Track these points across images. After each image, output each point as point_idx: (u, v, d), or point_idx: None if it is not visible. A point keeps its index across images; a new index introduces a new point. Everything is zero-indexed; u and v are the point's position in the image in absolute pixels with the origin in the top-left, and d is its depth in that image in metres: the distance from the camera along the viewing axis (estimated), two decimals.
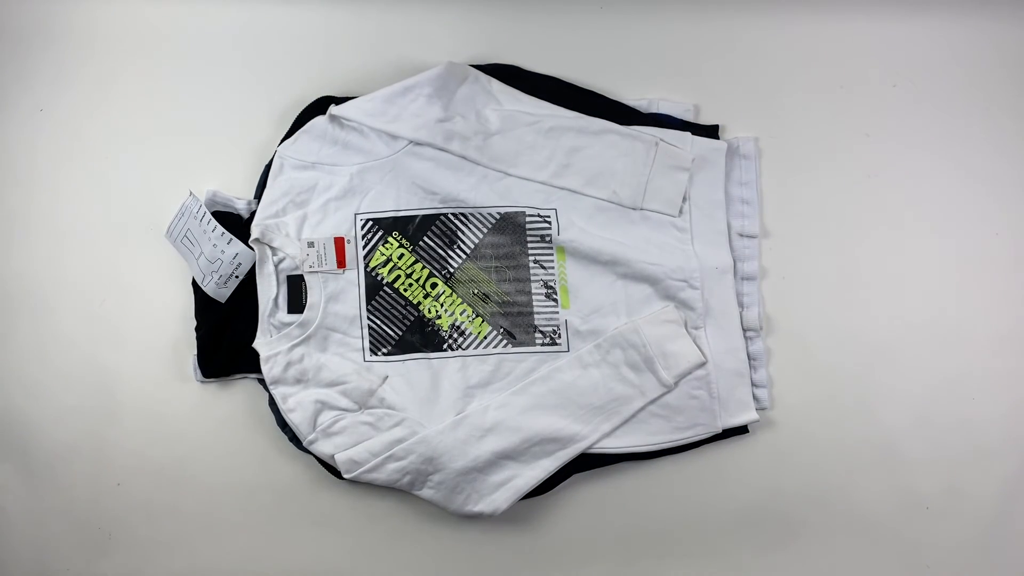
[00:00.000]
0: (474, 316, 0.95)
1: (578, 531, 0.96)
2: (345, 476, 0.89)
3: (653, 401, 0.92)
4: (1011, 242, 0.98)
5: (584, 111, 0.96)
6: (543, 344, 0.94)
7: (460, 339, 0.94)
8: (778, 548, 0.97)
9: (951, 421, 0.97)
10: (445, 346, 0.94)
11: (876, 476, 0.97)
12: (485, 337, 0.94)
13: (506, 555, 0.96)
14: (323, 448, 0.90)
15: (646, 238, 0.95)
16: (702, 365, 0.92)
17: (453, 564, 0.96)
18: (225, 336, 0.93)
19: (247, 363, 0.93)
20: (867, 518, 0.97)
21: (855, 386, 0.97)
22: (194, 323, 0.94)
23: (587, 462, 0.93)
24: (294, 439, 0.93)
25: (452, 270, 0.95)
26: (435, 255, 0.95)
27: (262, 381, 0.93)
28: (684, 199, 0.95)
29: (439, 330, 0.94)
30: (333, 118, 0.93)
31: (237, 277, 0.91)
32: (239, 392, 0.96)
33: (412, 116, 0.93)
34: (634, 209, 0.95)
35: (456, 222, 0.95)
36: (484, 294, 0.95)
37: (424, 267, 0.94)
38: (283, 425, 0.93)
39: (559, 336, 0.94)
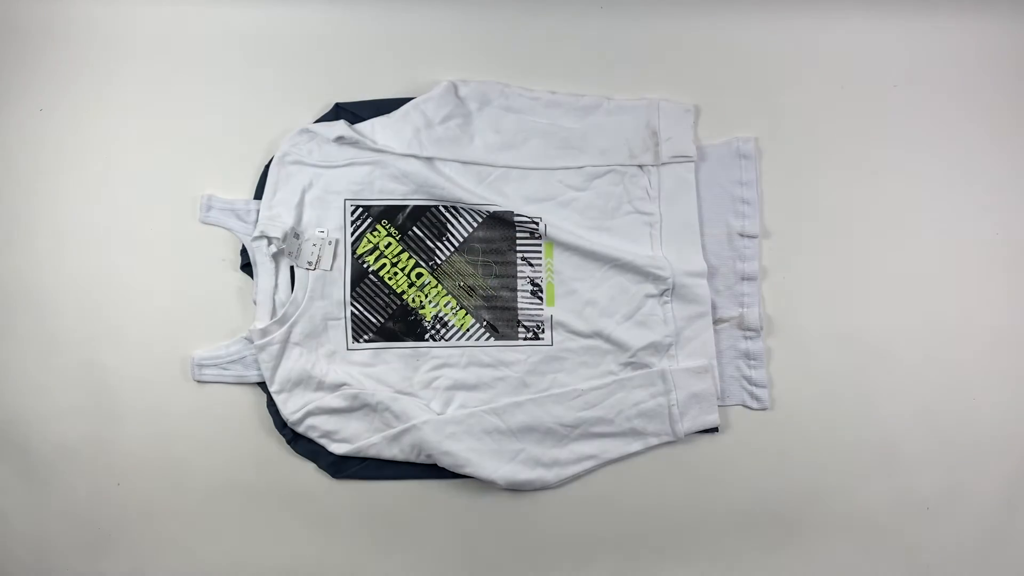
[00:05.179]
0: (458, 308, 0.96)
1: (578, 531, 0.96)
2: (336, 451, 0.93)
3: (651, 447, 0.95)
4: (1011, 242, 0.98)
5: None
6: (526, 339, 0.95)
7: (443, 330, 0.95)
8: (778, 548, 0.97)
9: (951, 421, 0.97)
10: (427, 336, 0.95)
11: (876, 476, 0.97)
12: (468, 329, 0.96)
13: (506, 555, 0.96)
14: (289, 404, 0.93)
15: (627, 239, 0.97)
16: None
17: (453, 564, 0.96)
18: None
19: None
20: (867, 518, 0.97)
21: (855, 386, 0.97)
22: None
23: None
24: (293, 440, 0.94)
25: (439, 261, 0.96)
26: (423, 246, 0.95)
27: (262, 384, 0.94)
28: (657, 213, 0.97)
29: (422, 320, 0.95)
30: (332, 125, 0.94)
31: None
32: (239, 393, 0.96)
33: (409, 134, 0.95)
34: (654, 166, 0.96)
35: (447, 214, 0.95)
36: (469, 287, 0.96)
37: (411, 257, 0.95)
38: (282, 426, 0.94)
39: (543, 332, 0.95)
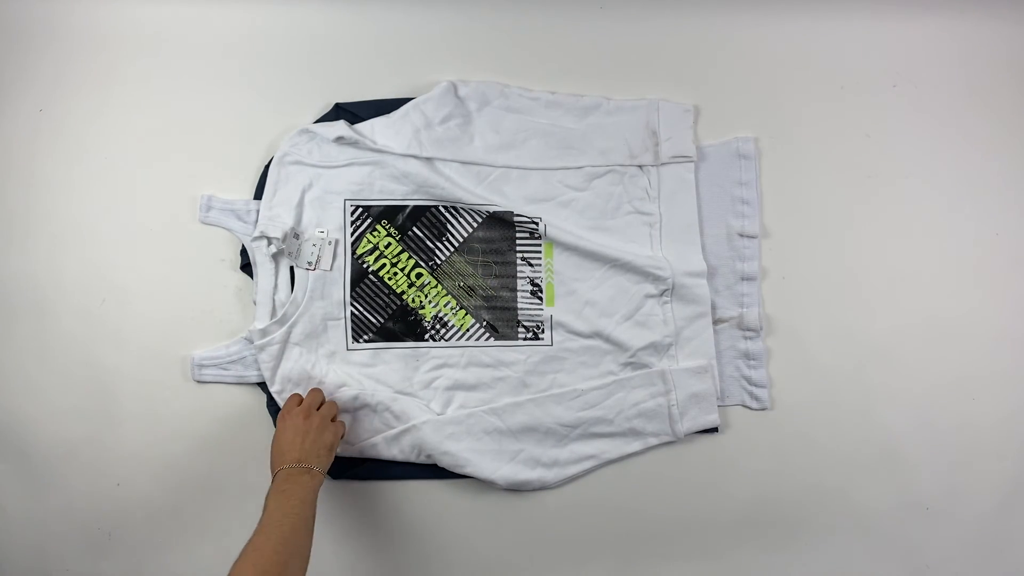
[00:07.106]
0: (458, 308, 0.96)
1: (578, 531, 0.96)
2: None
3: (650, 447, 0.95)
4: (1011, 242, 0.98)
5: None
6: (525, 339, 0.96)
7: (443, 330, 0.96)
8: (778, 548, 0.97)
9: (951, 421, 0.97)
10: (427, 336, 0.95)
11: (876, 476, 0.97)
12: (467, 329, 0.96)
13: (506, 554, 0.96)
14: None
15: (627, 239, 0.97)
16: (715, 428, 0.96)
17: (453, 563, 0.97)
18: None
19: None
20: (867, 518, 0.97)
21: (855, 386, 0.97)
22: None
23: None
24: None
25: (439, 261, 0.96)
26: (423, 246, 0.96)
27: (262, 384, 0.94)
28: (656, 213, 0.97)
29: (422, 320, 0.96)
30: (332, 125, 0.94)
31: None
32: (239, 393, 0.96)
33: (409, 134, 0.95)
34: (654, 166, 0.96)
35: (446, 214, 0.96)
36: (469, 287, 0.96)
37: (410, 257, 0.96)
38: None
39: (542, 332, 0.96)
